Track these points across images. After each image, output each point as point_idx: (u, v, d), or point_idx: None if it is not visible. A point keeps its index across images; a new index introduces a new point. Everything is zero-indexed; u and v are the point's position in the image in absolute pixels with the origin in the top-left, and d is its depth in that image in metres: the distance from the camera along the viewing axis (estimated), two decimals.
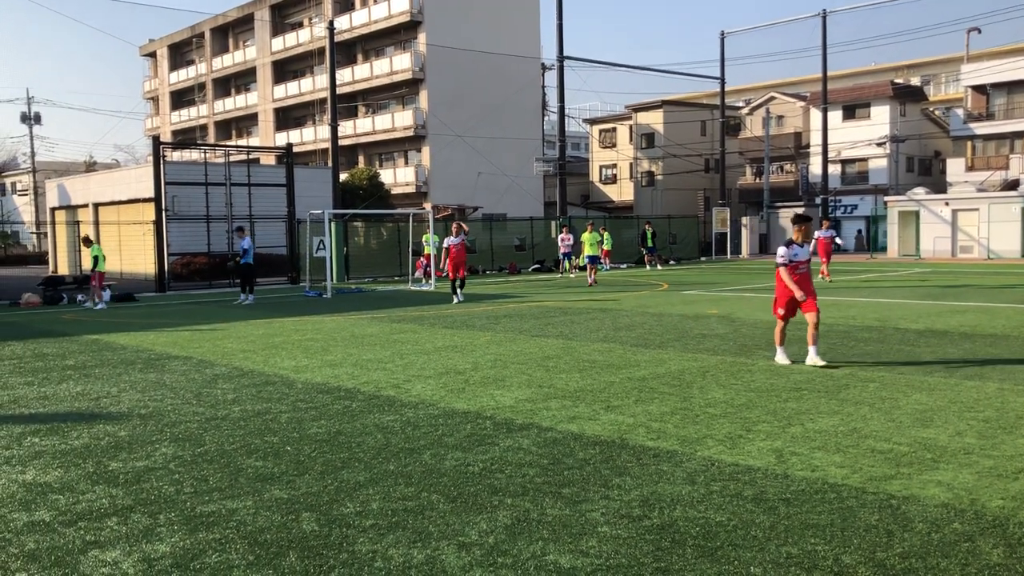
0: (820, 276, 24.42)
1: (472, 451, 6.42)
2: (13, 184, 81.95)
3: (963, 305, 17.15)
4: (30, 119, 72.47)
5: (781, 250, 10.29)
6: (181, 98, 70.17)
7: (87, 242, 22.25)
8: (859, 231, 51.29)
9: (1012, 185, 44.53)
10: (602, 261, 33.90)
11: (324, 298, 23.07)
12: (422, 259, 29.41)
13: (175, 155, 49.22)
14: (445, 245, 20.33)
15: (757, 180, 57.05)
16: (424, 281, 27.93)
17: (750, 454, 6.20)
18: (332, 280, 25.19)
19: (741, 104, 64.25)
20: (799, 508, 5.02)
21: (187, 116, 68.21)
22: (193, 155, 46.29)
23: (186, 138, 66.72)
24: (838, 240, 27.37)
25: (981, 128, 48.53)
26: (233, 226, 28.50)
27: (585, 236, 28.17)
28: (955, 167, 48.87)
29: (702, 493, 5.33)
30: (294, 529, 4.84)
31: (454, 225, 20.33)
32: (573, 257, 32.14)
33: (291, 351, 12.25)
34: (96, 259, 21.25)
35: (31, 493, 5.64)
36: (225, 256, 29.37)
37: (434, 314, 17.54)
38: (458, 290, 20.18)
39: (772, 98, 58.47)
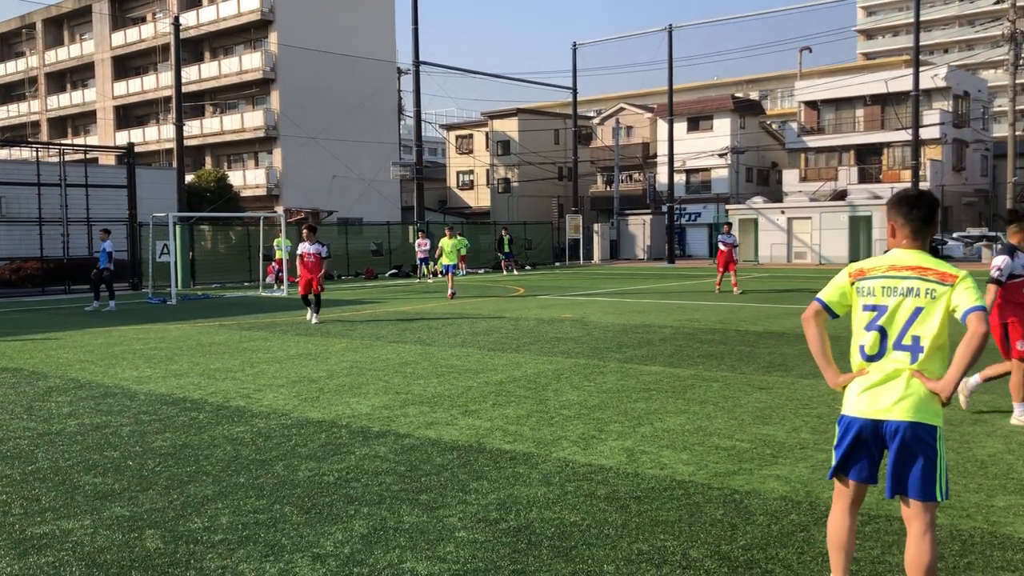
0: (732, 289, 22.40)
1: (327, 460, 6.30)
2: None
3: (798, 308, 18.19)
4: None
5: (1000, 260, 7.17)
6: (9, 92, 65.61)
7: None
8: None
9: (840, 195, 47.68)
10: (459, 267, 34.00)
11: (168, 305, 22.09)
12: (273, 264, 28.65)
13: (2, 153, 46.03)
14: (298, 252, 16.76)
15: (607, 188, 58.69)
16: (276, 287, 27.21)
17: (603, 454, 6.36)
18: (177, 286, 24.16)
19: (592, 114, 65.94)
20: (649, 505, 5.18)
21: (16, 112, 63.82)
22: (24, 153, 43.42)
23: (15, 135, 62.39)
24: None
25: (813, 141, 51.72)
26: (67, 229, 27.03)
27: (444, 242, 23.98)
28: (790, 177, 51.86)
29: (557, 494, 5.42)
30: (137, 548, 4.60)
31: (305, 229, 17.11)
32: (431, 262, 32.10)
33: (133, 361, 11.65)
34: None
35: None
36: (60, 261, 27.69)
37: (287, 321, 17.10)
38: (312, 309, 16.48)
39: (622, 109, 60.31)
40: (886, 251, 3.79)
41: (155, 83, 53.78)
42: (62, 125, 62.10)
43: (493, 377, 9.82)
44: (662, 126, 52.32)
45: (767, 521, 4.88)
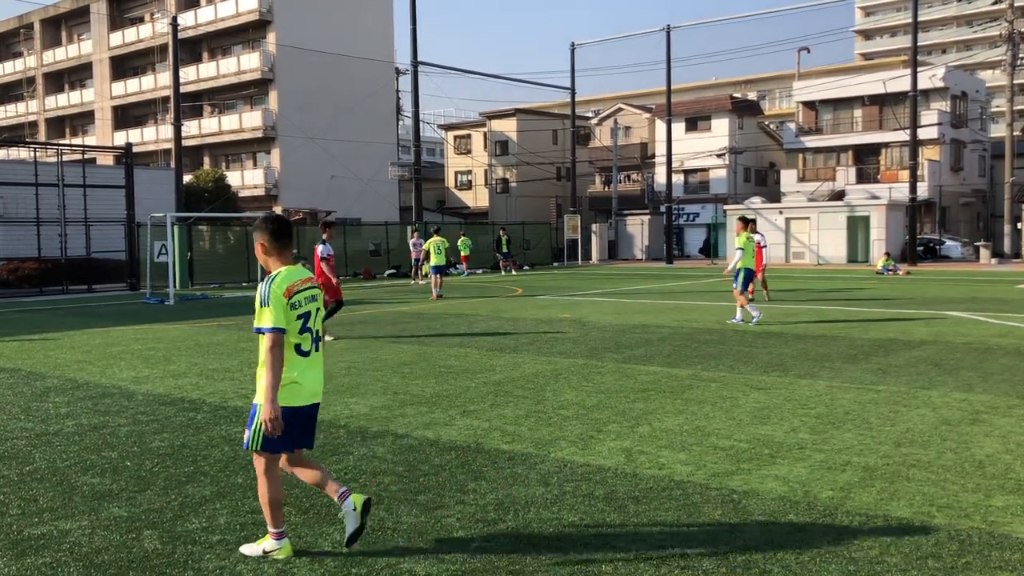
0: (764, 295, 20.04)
1: (325, 461, 6.29)
2: None
3: (795, 308, 18.20)
4: None
5: None
6: (7, 92, 65.55)
7: None
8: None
9: (838, 195, 47.68)
10: (455, 267, 34.00)
11: (166, 305, 22.08)
12: None
13: (0, 153, 46.02)
14: (324, 255, 13.54)
15: (606, 188, 58.68)
16: None
17: (601, 454, 6.36)
18: (175, 286, 24.14)
19: (591, 114, 65.92)
20: (647, 506, 5.18)
21: (14, 112, 63.76)
22: (22, 153, 43.46)
23: (13, 135, 62.34)
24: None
25: (811, 141, 51.70)
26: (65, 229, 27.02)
27: (430, 242, 23.23)
28: (788, 178, 51.83)
29: (555, 494, 5.42)
30: (135, 548, 4.60)
31: (328, 228, 14.08)
32: (425, 263, 32.07)
33: (131, 361, 11.64)
34: None
35: None
36: (58, 261, 27.64)
37: None
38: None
39: (620, 109, 60.28)
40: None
41: (153, 83, 53.72)
42: (60, 125, 62.05)
43: (491, 377, 9.81)
44: (660, 126, 52.33)
45: (765, 521, 4.88)
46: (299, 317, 4.40)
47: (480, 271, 38.57)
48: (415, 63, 40.79)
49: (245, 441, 4.45)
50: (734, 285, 15.25)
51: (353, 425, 7.45)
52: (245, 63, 49.31)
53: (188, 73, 49.46)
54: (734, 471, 5.88)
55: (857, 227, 42.54)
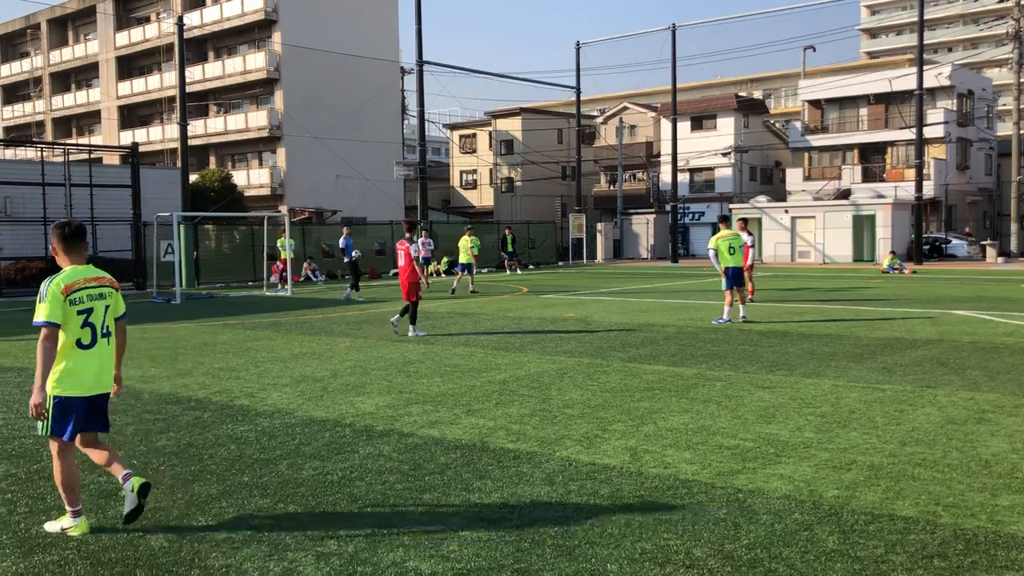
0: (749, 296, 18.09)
1: (331, 459, 6.31)
2: None
3: (802, 307, 18.18)
4: None
5: None
6: (14, 92, 65.73)
7: None
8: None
9: (844, 194, 47.58)
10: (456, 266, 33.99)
11: (172, 304, 22.13)
12: (278, 263, 28.66)
13: (7, 153, 46.19)
14: (414, 254, 14.22)
15: (611, 187, 58.63)
16: (280, 286, 27.23)
17: (606, 453, 6.36)
18: (181, 286, 24.19)
19: (596, 113, 65.84)
20: (652, 504, 5.19)
21: (21, 111, 63.93)
22: (29, 153, 43.60)
23: (20, 135, 62.53)
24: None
25: (817, 140, 51.59)
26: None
27: (462, 241, 25.48)
28: (794, 176, 51.73)
29: (560, 493, 5.43)
30: (141, 546, 4.62)
31: (417, 226, 14.05)
32: (433, 262, 32.05)
33: (137, 360, 11.68)
34: None
35: None
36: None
37: (291, 320, 17.13)
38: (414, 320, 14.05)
39: (625, 108, 60.21)
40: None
41: (159, 83, 53.83)
42: (66, 125, 62.21)
43: (496, 376, 9.82)
44: (666, 125, 52.24)
45: (770, 520, 4.88)
46: (80, 312, 4.78)
47: (485, 270, 38.58)
48: (420, 62, 40.78)
49: (39, 428, 4.84)
50: (722, 285, 15.38)
51: (359, 424, 7.47)
52: (251, 63, 49.37)
53: (194, 73, 49.56)
54: (739, 470, 5.88)
55: (863, 226, 42.46)
